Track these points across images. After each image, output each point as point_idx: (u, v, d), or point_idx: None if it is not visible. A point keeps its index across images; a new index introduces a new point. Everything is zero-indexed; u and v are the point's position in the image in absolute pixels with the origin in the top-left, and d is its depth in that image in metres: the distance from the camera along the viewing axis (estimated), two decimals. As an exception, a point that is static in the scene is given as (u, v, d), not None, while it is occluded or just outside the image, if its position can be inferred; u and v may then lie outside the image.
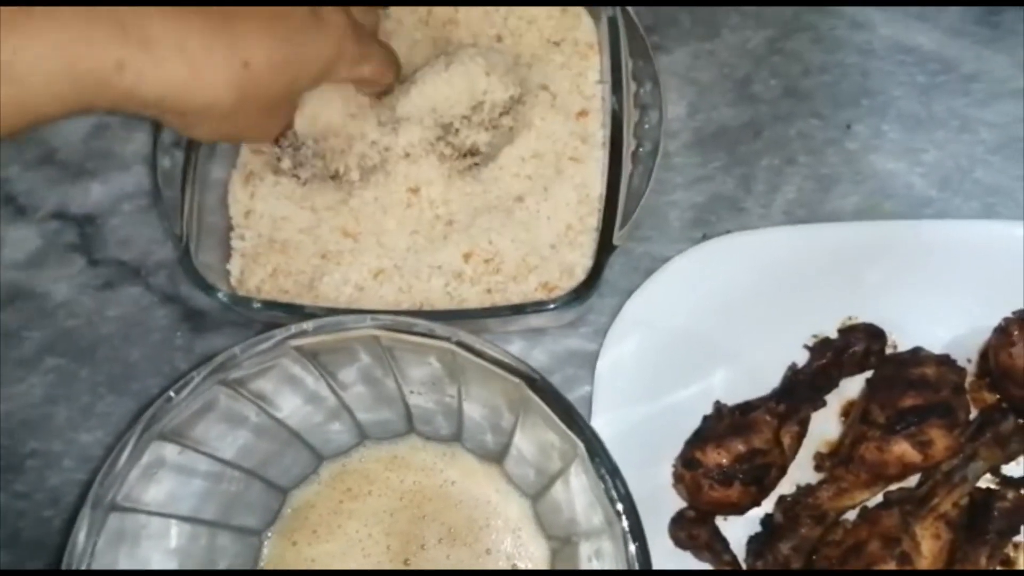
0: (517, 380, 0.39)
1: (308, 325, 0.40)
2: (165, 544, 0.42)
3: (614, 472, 0.38)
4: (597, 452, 0.38)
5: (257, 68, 0.43)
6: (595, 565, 0.41)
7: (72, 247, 0.59)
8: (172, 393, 0.39)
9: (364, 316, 0.40)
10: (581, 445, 0.38)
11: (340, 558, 0.47)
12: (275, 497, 0.47)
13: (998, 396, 0.48)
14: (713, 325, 0.50)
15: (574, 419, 0.39)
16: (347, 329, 0.40)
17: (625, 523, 0.37)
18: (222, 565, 0.46)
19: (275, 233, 0.53)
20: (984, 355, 0.49)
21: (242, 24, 0.43)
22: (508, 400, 0.42)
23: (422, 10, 0.56)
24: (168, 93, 0.41)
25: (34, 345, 0.57)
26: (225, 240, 0.54)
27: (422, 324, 0.40)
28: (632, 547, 0.37)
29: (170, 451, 0.41)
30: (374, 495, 0.47)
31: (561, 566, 0.46)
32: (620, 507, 0.37)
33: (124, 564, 0.40)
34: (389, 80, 0.52)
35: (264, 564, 0.47)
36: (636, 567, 0.37)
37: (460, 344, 0.39)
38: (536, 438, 0.43)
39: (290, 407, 0.44)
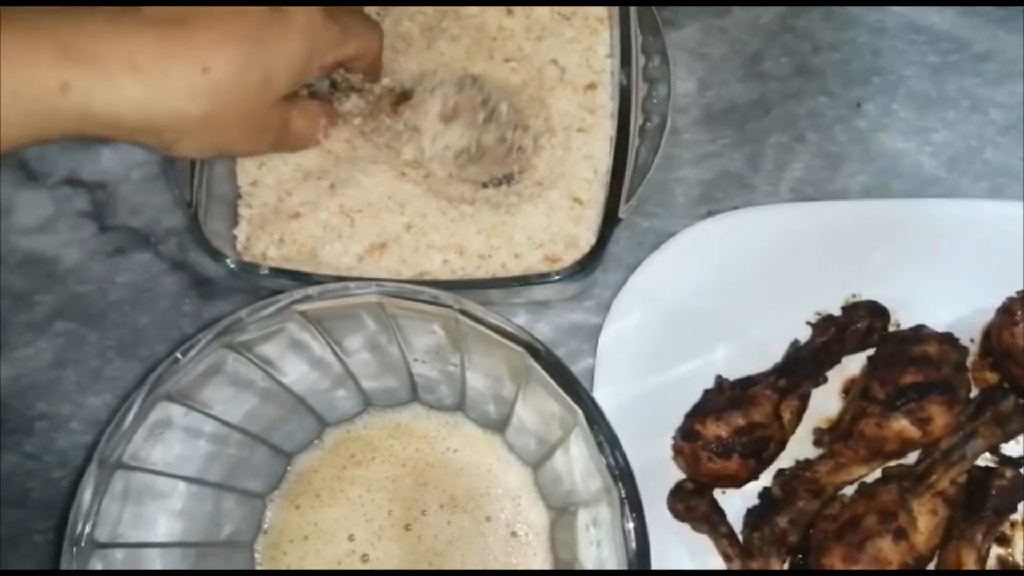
0: (519, 349, 0.39)
1: (313, 290, 0.40)
2: (171, 505, 0.43)
3: (612, 441, 0.38)
4: (596, 420, 0.38)
5: (218, 73, 0.41)
6: (592, 533, 0.42)
7: (83, 213, 0.60)
8: (179, 355, 0.40)
9: (369, 283, 0.41)
10: (581, 413, 0.38)
11: (343, 523, 0.47)
12: (279, 462, 0.48)
13: (999, 376, 0.48)
14: (717, 300, 0.50)
15: (574, 388, 0.39)
16: (352, 295, 0.40)
17: (622, 491, 0.38)
18: (227, 529, 0.46)
19: (280, 203, 0.53)
20: (987, 335, 0.49)
21: (196, 30, 0.40)
22: (510, 369, 0.42)
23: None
24: (124, 112, 0.39)
25: (44, 309, 0.58)
26: (232, 209, 0.55)
27: (427, 292, 0.40)
28: (629, 514, 0.38)
29: (176, 412, 0.41)
30: (377, 461, 0.48)
31: (560, 533, 0.47)
32: (617, 475, 0.38)
33: (129, 523, 0.41)
34: (376, 51, 0.50)
35: (267, 527, 0.48)
36: (632, 535, 0.37)
37: (463, 312, 0.39)
38: (537, 407, 0.43)
39: (296, 373, 0.45)
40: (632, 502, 0.38)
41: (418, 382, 0.47)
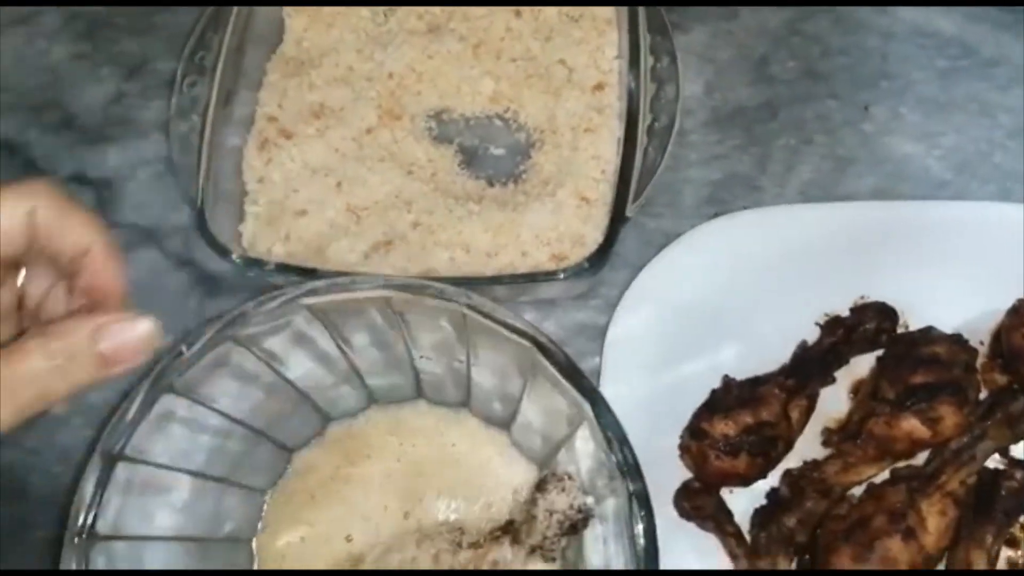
0: (527, 344, 0.39)
1: (320, 284, 0.40)
2: (173, 499, 0.43)
3: (621, 436, 0.38)
4: (603, 415, 0.38)
5: None
6: (599, 530, 0.41)
7: (89, 210, 0.60)
8: (183, 347, 0.39)
9: (377, 277, 0.40)
10: (588, 409, 0.38)
11: (339, 522, 0.46)
12: (281, 457, 0.48)
13: (1009, 377, 0.48)
14: (724, 300, 0.50)
15: (582, 383, 0.39)
16: (359, 290, 0.40)
17: (631, 487, 0.37)
18: (228, 527, 0.46)
19: (287, 201, 0.53)
20: (996, 336, 0.49)
21: None
22: (517, 365, 0.42)
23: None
24: None
25: (49, 306, 0.58)
26: (239, 206, 0.55)
27: (434, 286, 0.40)
28: (638, 511, 0.37)
29: (180, 405, 0.41)
30: (373, 459, 0.47)
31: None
32: (626, 471, 0.37)
33: (131, 516, 0.40)
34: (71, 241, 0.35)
35: (262, 526, 0.47)
36: (640, 530, 0.37)
37: (471, 307, 0.39)
38: (544, 404, 0.43)
39: (301, 368, 0.45)
40: (641, 498, 0.37)
41: (423, 379, 0.47)
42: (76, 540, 0.37)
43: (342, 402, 0.48)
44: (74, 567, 0.37)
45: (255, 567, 0.46)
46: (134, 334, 0.35)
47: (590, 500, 0.41)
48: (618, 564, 0.39)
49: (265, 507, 0.47)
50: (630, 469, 0.37)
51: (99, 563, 0.38)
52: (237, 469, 0.45)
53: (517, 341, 0.39)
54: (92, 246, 0.36)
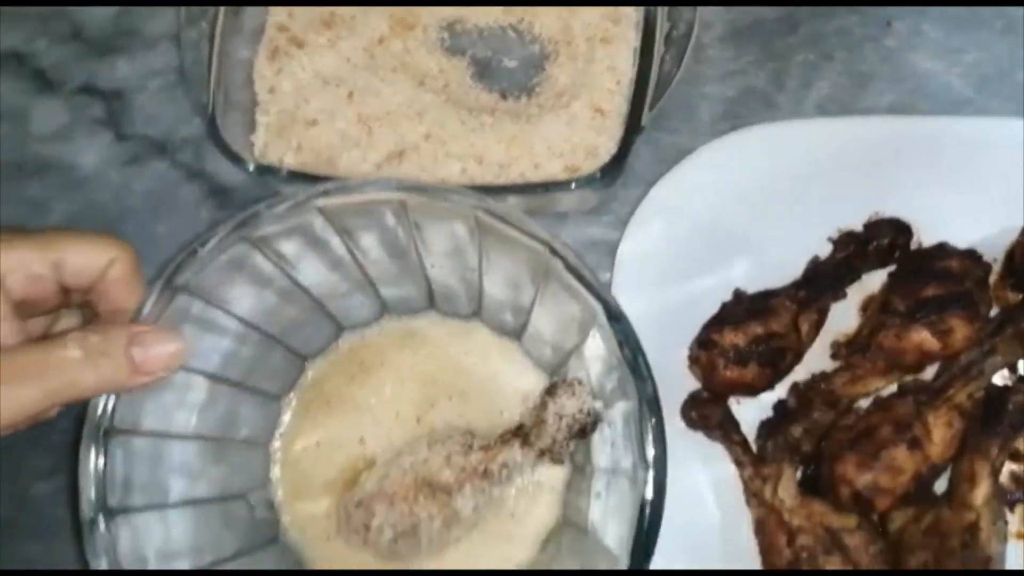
0: (540, 247, 0.39)
1: (333, 185, 0.40)
2: (189, 399, 0.43)
3: (632, 337, 0.38)
4: (617, 318, 0.38)
5: None
6: (607, 433, 0.42)
7: (99, 122, 0.60)
8: (197, 246, 0.39)
9: (390, 180, 0.40)
10: (601, 311, 0.38)
11: (353, 428, 0.47)
12: (296, 365, 0.48)
13: (1021, 295, 0.48)
14: (738, 215, 0.50)
15: (594, 285, 0.39)
16: (372, 191, 0.40)
17: (642, 387, 0.37)
18: (244, 431, 0.46)
19: (298, 111, 0.53)
20: (1010, 254, 0.48)
21: None
22: (530, 271, 0.42)
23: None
24: None
25: (61, 217, 0.58)
26: (250, 117, 0.54)
27: (448, 188, 0.39)
28: (648, 413, 0.37)
29: (195, 306, 0.41)
30: (386, 368, 0.47)
31: None
32: (638, 371, 0.38)
33: (149, 414, 0.41)
34: (102, 262, 0.37)
35: (280, 432, 0.48)
36: (650, 430, 0.37)
37: (485, 210, 0.39)
38: (555, 312, 0.43)
39: (314, 275, 0.45)
40: (651, 400, 0.38)
41: (435, 289, 0.47)
42: (95, 436, 0.38)
43: (355, 312, 0.48)
44: (92, 461, 0.38)
45: (271, 470, 0.47)
46: (165, 349, 0.37)
47: (599, 404, 0.42)
48: (626, 466, 0.40)
49: (280, 413, 0.48)
50: (641, 371, 0.38)
51: (117, 457, 0.38)
52: (252, 374, 0.46)
53: (530, 245, 0.39)
54: (122, 275, 0.38)
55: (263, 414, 0.48)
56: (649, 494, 0.37)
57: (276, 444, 0.48)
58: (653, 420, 0.38)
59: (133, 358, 0.36)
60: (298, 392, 0.48)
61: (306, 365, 0.48)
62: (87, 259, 0.36)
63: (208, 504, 0.43)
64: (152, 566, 0.39)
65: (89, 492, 0.37)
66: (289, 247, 0.42)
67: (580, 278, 0.38)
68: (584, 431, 0.42)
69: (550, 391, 0.43)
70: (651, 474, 0.37)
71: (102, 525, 0.37)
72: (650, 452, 0.37)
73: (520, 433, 0.43)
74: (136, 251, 0.38)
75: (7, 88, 0.60)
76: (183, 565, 0.40)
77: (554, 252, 0.39)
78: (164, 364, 0.37)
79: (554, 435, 0.42)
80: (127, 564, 0.37)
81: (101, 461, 0.38)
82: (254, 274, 0.42)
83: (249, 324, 0.44)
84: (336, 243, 0.43)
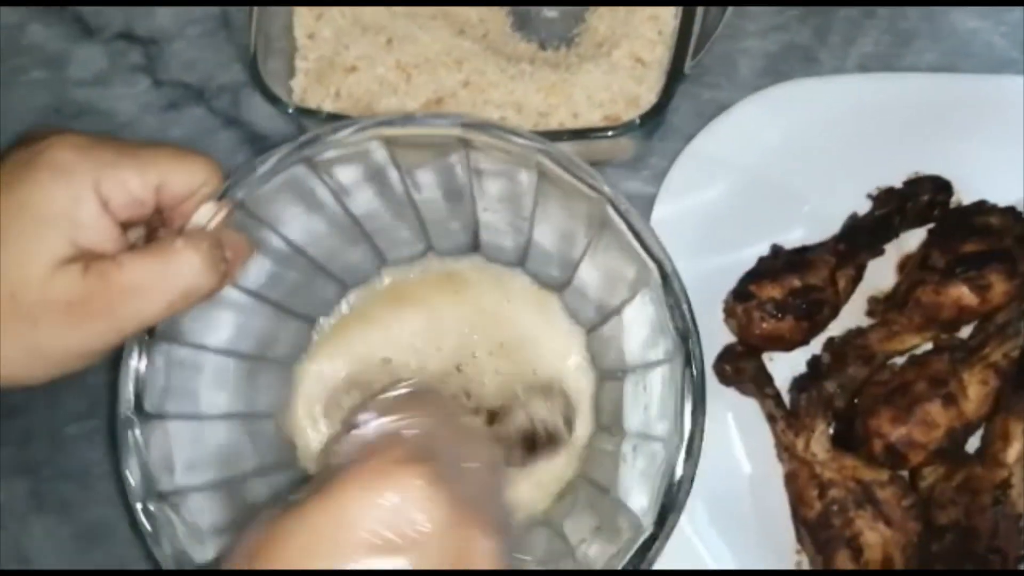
0: (598, 196, 0.38)
1: (397, 117, 0.39)
2: (229, 315, 0.42)
3: (685, 303, 0.38)
4: (671, 278, 0.38)
5: None
6: (641, 396, 0.41)
7: (137, 68, 0.60)
8: (257, 163, 0.38)
9: (455, 115, 0.39)
10: (655, 271, 0.38)
11: (392, 358, 0.47)
12: (337, 293, 0.48)
13: (1061, 255, 0.47)
14: (777, 170, 0.50)
15: (652, 243, 0.38)
16: (436, 126, 0.38)
17: (689, 349, 0.37)
18: (277, 352, 0.46)
19: (337, 57, 0.53)
20: (1051, 214, 0.48)
21: None
22: (585, 223, 0.41)
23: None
24: None
25: (100, 161, 0.58)
26: (289, 63, 0.54)
27: (513, 129, 0.38)
28: (688, 376, 0.37)
29: (248, 224, 0.40)
30: (424, 304, 0.47)
31: (605, 397, 0.47)
32: (686, 337, 0.37)
33: (189, 327, 0.40)
34: (199, 180, 0.37)
35: (313, 349, 0.48)
36: (690, 403, 0.37)
37: (548, 154, 0.38)
38: (605, 266, 0.42)
39: (366, 205, 0.44)
40: (698, 375, 0.37)
41: (483, 233, 0.46)
42: (140, 338, 0.38)
43: (400, 248, 0.48)
44: (135, 363, 0.38)
45: (294, 391, 0.47)
46: (244, 241, 0.38)
47: (565, 432, 0.42)
48: (659, 433, 0.39)
49: (314, 336, 0.48)
50: (692, 339, 0.37)
51: (159, 363, 0.38)
52: (293, 297, 0.45)
53: (590, 195, 0.38)
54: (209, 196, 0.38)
55: (298, 336, 0.47)
56: (681, 469, 0.37)
57: (301, 365, 0.48)
58: (694, 394, 0.37)
59: (225, 260, 0.36)
60: (335, 318, 0.48)
61: (346, 294, 0.48)
62: (185, 183, 0.36)
63: (237, 419, 0.43)
64: (178, 473, 0.39)
65: (128, 393, 0.37)
66: (346, 174, 0.41)
67: (638, 236, 0.38)
68: (535, 445, 0.42)
69: (539, 389, 0.43)
70: (684, 447, 0.37)
71: (137, 428, 0.37)
72: (687, 426, 0.37)
73: (491, 413, 0.44)
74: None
75: (46, 34, 0.61)
76: (206, 476, 0.40)
77: (615, 207, 0.38)
78: (243, 261, 0.38)
79: (512, 431, 0.43)
80: (155, 469, 0.38)
81: (143, 364, 0.38)
82: (308, 198, 0.42)
83: (296, 248, 0.44)
84: (394, 177, 0.42)
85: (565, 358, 0.48)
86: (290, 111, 0.49)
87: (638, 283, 0.40)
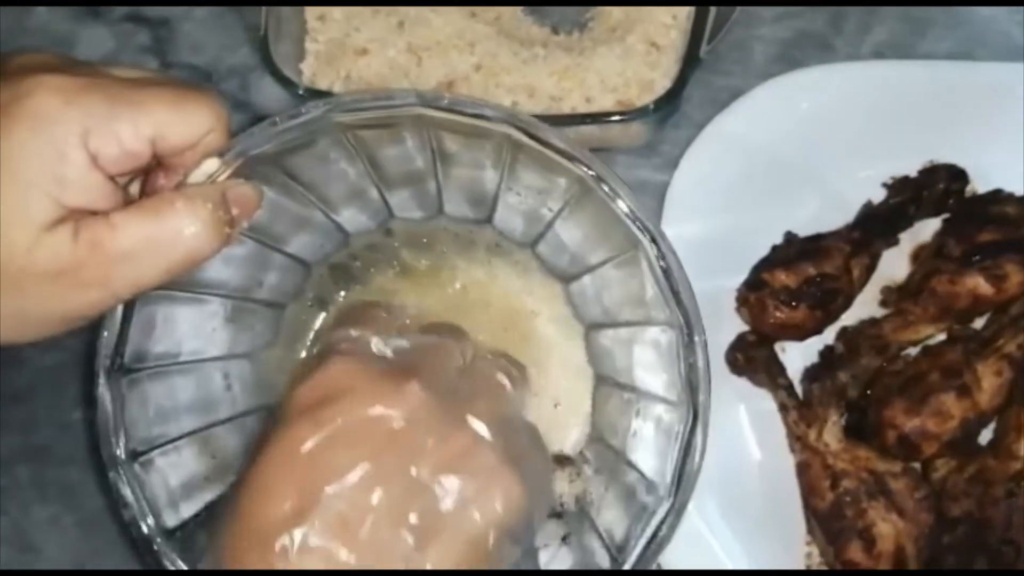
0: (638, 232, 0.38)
1: (445, 99, 0.37)
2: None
3: (674, 261, 0.38)
4: (656, 239, 0.38)
5: None
6: (650, 356, 0.41)
7: (145, 49, 0.59)
8: (277, 119, 0.37)
9: (503, 110, 0.37)
10: (642, 237, 0.38)
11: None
12: (337, 240, 0.46)
13: (1078, 246, 0.47)
14: (790, 157, 0.49)
15: (633, 206, 0.38)
16: (481, 117, 0.37)
17: (683, 315, 0.37)
18: (265, 293, 0.45)
19: (347, 39, 0.52)
20: (1068, 205, 0.48)
21: None
22: (617, 239, 0.40)
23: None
24: None
25: (106, 143, 0.58)
26: (299, 46, 0.54)
27: (556, 131, 0.37)
28: (687, 340, 0.37)
29: (272, 174, 0.39)
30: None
31: (596, 351, 0.46)
32: (678, 300, 0.37)
33: None
34: (206, 126, 0.34)
35: (309, 298, 0.47)
36: (692, 360, 0.37)
37: (595, 176, 0.38)
38: (585, 225, 0.42)
39: (391, 174, 0.42)
40: (692, 330, 0.37)
41: (497, 213, 0.45)
42: None
43: (409, 210, 0.46)
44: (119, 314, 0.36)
45: (280, 331, 0.46)
46: (251, 194, 0.35)
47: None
48: (671, 396, 0.39)
49: (306, 281, 0.46)
50: (683, 296, 0.37)
51: (141, 312, 0.37)
52: (291, 235, 0.43)
53: (568, 168, 0.37)
54: (213, 144, 0.35)
55: (292, 278, 0.46)
56: (689, 430, 0.37)
57: (292, 307, 0.46)
58: (695, 352, 0.37)
59: (231, 213, 0.34)
60: (332, 261, 0.47)
61: (349, 240, 0.46)
62: (185, 134, 0.33)
63: (217, 363, 0.42)
64: (155, 424, 0.38)
65: (110, 347, 0.36)
66: (372, 137, 0.40)
67: (622, 200, 0.38)
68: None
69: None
70: (690, 408, 0.37)
71: (116, 384, 0.36)
72: (700, 395, 0.37)
73: None
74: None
75: (52, 15, 0.60)
76: (181, 427, 0.40)
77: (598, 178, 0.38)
78: (249, 213, 0.35)
79: None
80: (131, 427, 0.37)
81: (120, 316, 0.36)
82: (329, 162, 0.40)
83: (310, 199, 0.42)
84: (422, 159, 0.41)
85: (567, 364, 0.47)
86: (300, 92, 0.48)
87: (626, 244, 0.39)
